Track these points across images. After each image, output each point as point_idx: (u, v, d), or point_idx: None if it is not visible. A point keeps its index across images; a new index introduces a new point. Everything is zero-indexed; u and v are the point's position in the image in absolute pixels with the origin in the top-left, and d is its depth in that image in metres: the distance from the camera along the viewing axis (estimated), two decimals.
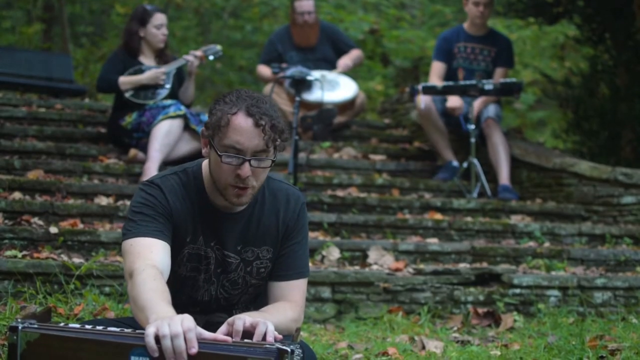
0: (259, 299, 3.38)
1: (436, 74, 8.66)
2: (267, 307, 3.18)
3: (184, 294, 3.25)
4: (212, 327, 2.80)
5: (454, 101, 8.43)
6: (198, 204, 3.19)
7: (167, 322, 2.56)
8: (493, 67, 8.67)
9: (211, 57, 7.93)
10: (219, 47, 8.01)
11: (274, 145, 3.06)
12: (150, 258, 2.96)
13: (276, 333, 2.76)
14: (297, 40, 9.32)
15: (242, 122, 3.01)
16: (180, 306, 2.82)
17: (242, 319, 2.78)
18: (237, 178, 3.04)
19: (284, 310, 3.15)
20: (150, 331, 2.55)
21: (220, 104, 3.07)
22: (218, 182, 3.10)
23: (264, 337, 2.73)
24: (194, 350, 2.54)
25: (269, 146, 3.04)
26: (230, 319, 2.80)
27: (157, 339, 2.54)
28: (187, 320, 2.59)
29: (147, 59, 7.75)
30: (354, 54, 9.49)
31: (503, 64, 8.70)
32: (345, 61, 9.32)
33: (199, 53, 7.85)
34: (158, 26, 7.66)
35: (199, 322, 2.69)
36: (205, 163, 3.21)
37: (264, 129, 3.01)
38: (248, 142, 3.01)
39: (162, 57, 7.78)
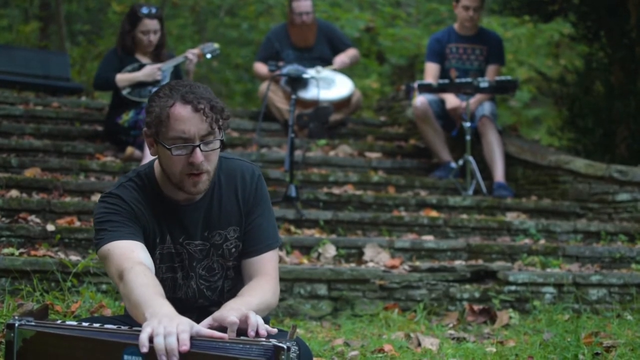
0: (242, 281, 3.37)
1: (431, 75, 8.67)
2: (243, 290, 3.18)
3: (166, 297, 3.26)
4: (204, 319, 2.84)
5: (452, 102, 8.43)
6: (158, 204, 3.22)
7: (163, 323, 2.59)
8: (486, 66, 8.69)
9: (209, 56, 7.93)
10: (216, 46, 8.01)
11: (218, 126, 3.08)
12: (134, 257, 2.99)
13: (268, 327, 2.79)
14: (294, 40, 9.32)
15: (181, 110, 3.04)
16: None
17: (235, 312, 2.81)
18: (190, 166, 3.07)
19: (260, 287, 3.17)
20: (145, 331, 2.57)
21: (155, 100, 3.09)
22: (173, 177, 3.13)
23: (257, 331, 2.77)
24: (185, 348, 2.55)
25: (213, 128, 3.07)
26: (215, 315, 2.83)
27: (151, 338, 2.57)
28: (183, 322, 2.61)
29: (143, 56, 7.75)
30: (351, 53, 9.51)
31: (495, 61, 8.72)
32: (342, 58, 9.35)
33: (196, 51, 7.85)
34: (144, 32, 7.64)
35: (191, 318, 2.71)
36: (156, 162, 3.23)
37: (204, 111, 3.04)
38: (193, 128, 3.04)
39: (158, 55, 7.78)
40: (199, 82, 3.16)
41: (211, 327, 2.76)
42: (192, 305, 3.32)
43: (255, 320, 2.79)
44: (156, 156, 3.21)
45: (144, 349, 2.55)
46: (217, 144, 3.10)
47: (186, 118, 3.03)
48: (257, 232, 3.31)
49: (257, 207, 3.32)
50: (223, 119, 3.11)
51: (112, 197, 3.16)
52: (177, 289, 3.30)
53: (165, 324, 2.59)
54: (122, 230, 3.08)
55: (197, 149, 3.05)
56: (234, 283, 3.38)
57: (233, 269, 3.34)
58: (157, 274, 3.21)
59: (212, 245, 3.28)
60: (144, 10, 7.64)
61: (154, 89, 7.40)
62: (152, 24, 7.63)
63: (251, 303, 2.95)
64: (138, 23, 7.62)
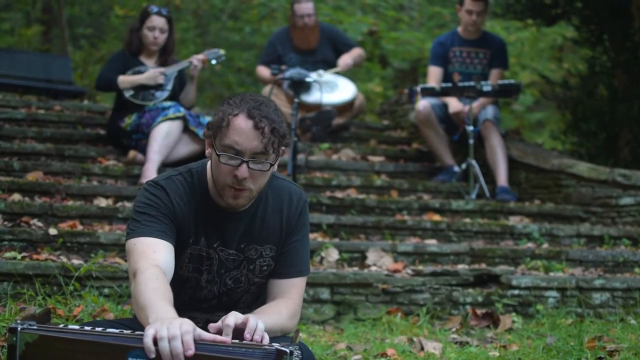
0: (261, 298, 3.39)
1: (434, 78, 8.66)
2: (261, 308, 3.19)
3: (186, 294, 3.26)
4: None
5: (455, 106, 8.43)
6: (202, 204, 3.21)
7: (166, 324, 2.58)
8: (489, 70, 8.68)
9: (214, 62, 7.91)
10: (222, 52, 7.98)
11: (273, 149, 3.06)
12: (153, 258, 2.98)
13: (266, 335, 2.79)
14: (297, 43, 9.31)
15: (242, 123, 3.03)
16: (182, 306, 2.83)
17: (235, 316, 2.82)
18: (234, 179, 3.06)
19: (279, 309, 3.16)
20: (149, 333, 2.57)
21: (224, 105, 3.09)
22: (217, 182, 3.12)
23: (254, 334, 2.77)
24: (191, 352, 2.55)
25: (267, 149, 3.05)
26: (223, 317, 2.82)
27: (155, 341, 2.56)
28: (186, 323, 2.60)
29: (148, 60, 7.75)
30: (355, 53, 9.49)
31: (498, 65, 8.70)
32: (345, 60, 9.32)
33: (201, 57, 7.84)
34: (150, 28, 7.65)
35: (199, 322, 2.71)
36: (209, 163, 3.23)
37: (264, 131, 3.02)
38: (247, 143, 3.02)
39: (165, 61, 7.76)
40: (271, 100, 3.15)
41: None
42: (207, 306, 3.33)
43: (255, 324, 2.79)
44: (210, 158, 3.20)
45: (152, 355, 2.54)
46: (267, 166, 3.08)
47: (244, 131, 3.02)
48: (292, 256, 3.31)
49: (298, 231, 3.32)
50: (281, 145, 3.09)
51: (157, 188, 3.16)
52: (198, 290, 3.30)
53: (167, 325, 2.59)
54: (153, 227, 3.08)
55: (244, 165, 3.04)
56: (253, 298, 3.39)
57: (258, 285, 3.35)
58: (183, 272, 3.23)
59: (246, 258, 3.28)
60: (154, 8, 7.71)
61: (157, 93, 7.50)
62: (160, 21, 7.66)
63: (265, 321, 2.92)
64: (146, 19, 7.66)
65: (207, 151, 3.18)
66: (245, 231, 3.25)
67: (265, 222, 3.27)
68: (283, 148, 3.13)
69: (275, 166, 3.17)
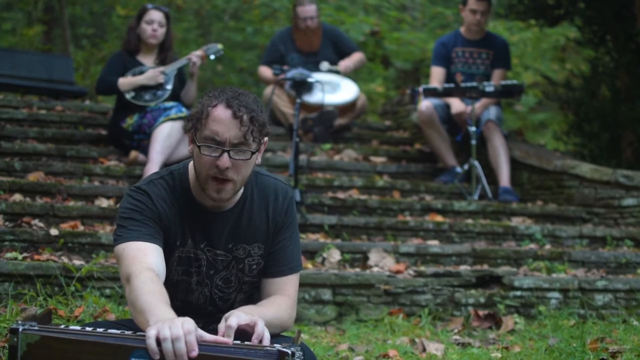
0: (255, 297, 3.39)
1: (436, 79, 8.65)
2: (262, 301, 3.22)
3: (178, 298, 3.25)
4: (212, 327, 2.84)
5: (458, 107, 8.42)
6: (186, 206, 3.20)
7: (167, 324, 2.57)
8: (492, 70, 8.67)
9: (212, 57, 7.91)
10: (219, 46, 7.98)
11: (253, 137, 3.07)
12: (145, 261, 2.98)
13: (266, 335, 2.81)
14: (299, 45, 9.30)
15: (220, 113, 3.04)
16: (177, 312, 2.82)
17: (238, 316, 2.82)
18: (216, 169, 3.06)
19: (278, 303, 3.19)
20: (151, 333, 2.56)
21: (203, 98, 3.11)
22: (199, 176, 3.12)
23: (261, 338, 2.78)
24: (195, 353, 2.55)
25: (247, 138, 3.05)
26: (227, 314, 2.84)
27: (158, 341, 2.55)
28: (188, 323, 2.60)
29: (146, 59, 7.74)
30: (356, 57, 9.48)
31: (501, 66, 8.69)
32: (346, 63, 9.32)
33: (199, 53, 7.84)
34: (148, 21, 7.67)
35: (198, 324, 2.70)
36: (191, 164, 3.23)
37: (242, 120, 3.03)
38: (226, 132, 3.03)
39: (164, 59, 7.76)
40: (250, 92, 3.15)
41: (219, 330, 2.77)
42: (201, 311, 3.31)
43: (262, 330, 2.80)
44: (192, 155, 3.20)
45: (157, 356, 2.54)
46: (248, 155, 3.08)
47: (223, 121, 3.03)
48: (283, 254, 3.32)
49: (286, 229, 3.33)
50: (261, 134, 3.09)
51: (140, 193, 3.16)
52: (190, 293, 3.30)
53: (169, 325, 2.59)
54: (140, 231, 3.08)
55: (225, 154, 3.04)
56: (247, 297, 3.38)
57: (249, 284, 3.35)
58: (172, 275, 3.22)
59: (234, 258, 3.28)
60: (151, 5, 7.72)
61: (159, 93, 7.49)
62: (157, 15, 7.68)
63: (265, 314, 2.97)
64: (144, 14, 7.69)
65: (190, 148, 3.18)
66: (231, 230, 3.24)
67: (252, 221, 3.27)
68: (265, 138, 3.13)
69: (259, 158, 3.17)
